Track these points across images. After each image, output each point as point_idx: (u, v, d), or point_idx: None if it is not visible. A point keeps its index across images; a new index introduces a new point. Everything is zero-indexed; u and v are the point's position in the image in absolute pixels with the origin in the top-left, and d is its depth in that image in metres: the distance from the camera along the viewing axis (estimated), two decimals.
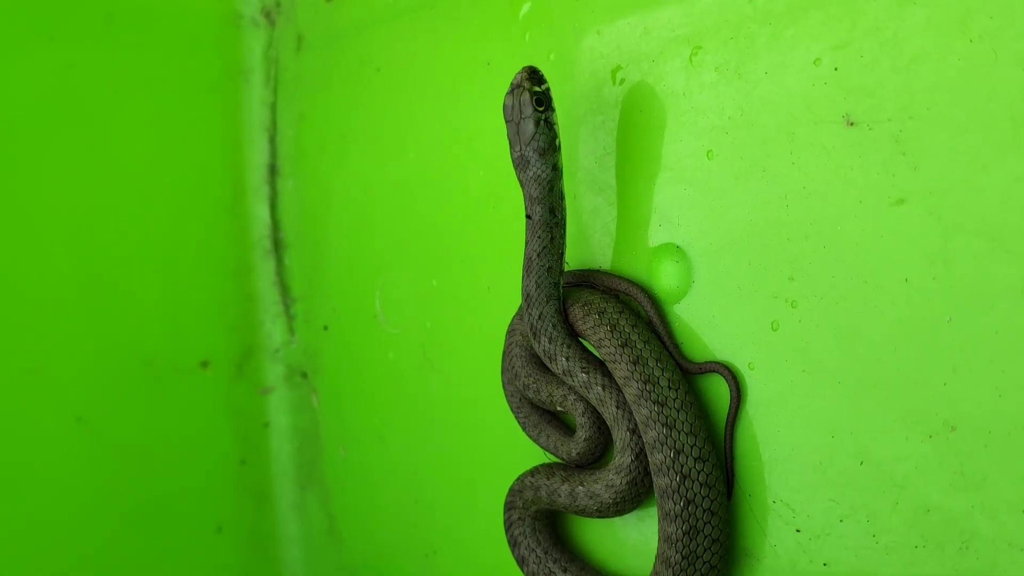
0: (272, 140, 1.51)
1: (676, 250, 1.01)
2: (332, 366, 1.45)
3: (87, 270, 1.40)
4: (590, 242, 1.08)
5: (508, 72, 1.11)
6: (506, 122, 0.98)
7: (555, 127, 0.97)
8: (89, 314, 1.39)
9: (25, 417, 1.32)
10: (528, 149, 0.96)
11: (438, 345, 1.27)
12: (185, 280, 1.47)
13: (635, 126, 1.04)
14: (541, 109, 0.95)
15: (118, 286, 1.42)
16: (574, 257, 1.09)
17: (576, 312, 1.02)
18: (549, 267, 0.99)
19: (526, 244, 0.99)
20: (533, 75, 0.97)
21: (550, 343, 1.01)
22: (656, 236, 1.03)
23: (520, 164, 0.97)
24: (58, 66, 1.38)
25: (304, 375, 1.49)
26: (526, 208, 0.98)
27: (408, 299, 1.31)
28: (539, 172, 0.96)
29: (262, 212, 1.51)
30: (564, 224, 0.99)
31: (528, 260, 0.99)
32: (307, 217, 1.48)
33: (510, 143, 0.98)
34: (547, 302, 1.01)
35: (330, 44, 1.42)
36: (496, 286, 1.19)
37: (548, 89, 0.98)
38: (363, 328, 1.37)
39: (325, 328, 1.45)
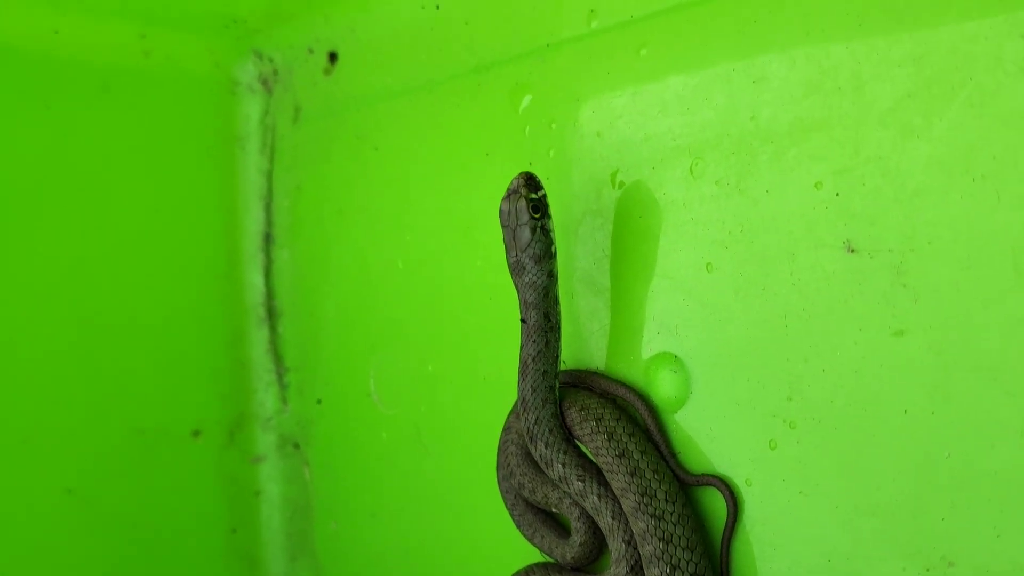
0: (268, 208, 1.50)
1: (674, 360, 1.00)
2: (325, 439, 1.44)
3: (79, 336, 1.39)
4: (587, 343, 1.08)
5: (507, 163, 1.12)
6: (502, 227, 0.98)
7: (551, 234, 0.97)
8: (80, 382, 1.38)
9: (14, 489, 1.31)
10: (524, 256, 0.96)
11: (433, 430, 1.27)
12: (178, 347, 1.46)
13: (634, 231, 1.04)
14: (537, 216, 0.96)
15: (110, 353, 1.41)
16: (571, 356, 1.09)
17: (573, 416, 1.02)
18: (544, 371, 0.99)
19: (521, 348, 0.99)
20: (530, 181, 0.97)
21: (546, 448, 1.01)
22: (654, 344, 1.02)
23: (516, 269, 0.97)
24: (53, 133, 1.37)
25: (296, 445, 1.48)
26: (521, 312, 0.98)
27: (403, 381, 1.31)
28: (534, 279, 0.97)
29: (256, 280, 1.51)
30: (559, 328, 0.99)
31: (523, 364, 0.99)
32: (302, 288, 1.47)
33: (506, 247, 0.98)
34: (543, 406, 1.00)
35: (328, 117, 1.42)
36: (492, 377, 1.19)
37: (545, 196, 0.98)
38: (357, 405, 1.37)
39: (318, 402, 1.45)
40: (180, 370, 1.46)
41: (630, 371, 1.04)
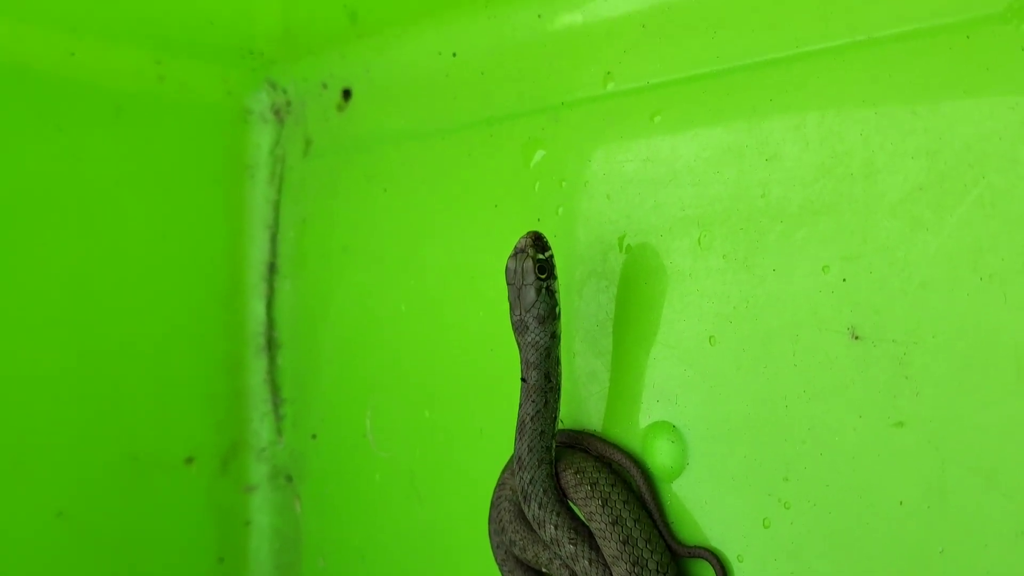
0: (273, 239, 1.50)
1: (672, 429, 1.00)
2: (318, 474, 1.44)
3: (76, 357, 1.38)
4: (586, 405, 1.08)
5: (516, 217, 1.13)
6: (508, 285, 0.98)
7: (556, 295, 0.98)
8: (74, 404, 1.37)
9: (4, 510, 1.30)
10: (528, 315, 0.97)
11: (427, 476, 1.27)
12: (175, 372, 1.46)
13: (639, 297, 1.04)
14: (543, 277, 0.96)
15: (105, 375, 1.40)
16: (569, 416, 1.09)
17: (568, 478, 1.02)
18: (542, 431, 0.99)
19: (520, 406, 0.99)
20: (537, 241, 0.98)
21: (540, 509, 1.01)
22: (653, 411, 1.03)
23: (519, 328, 0.98)
24: (63, 154, 1.37)
25: (289, 478, 1.48)
26: (522, 370, 0.99)
27: (399, 424, 1.31)
28: (537, 338, 0.97)
29: (258, 309, 1.50)
30: (559, 389, 1.00)
31: (521, 423, 0.99)
32: (303, 320, 1.47)
33: (510, 306, 0.98)
34: (538, 466, 1.01)
35: (338, 153, 1.42)
36: (489, 430, 1.18)
37: (551, 256, 0.98)
38: (351, 444, 1.37)
39: (313, 436, 1.45)
40: (176, 396, 1.45)
41: (627, 436, 1.04)
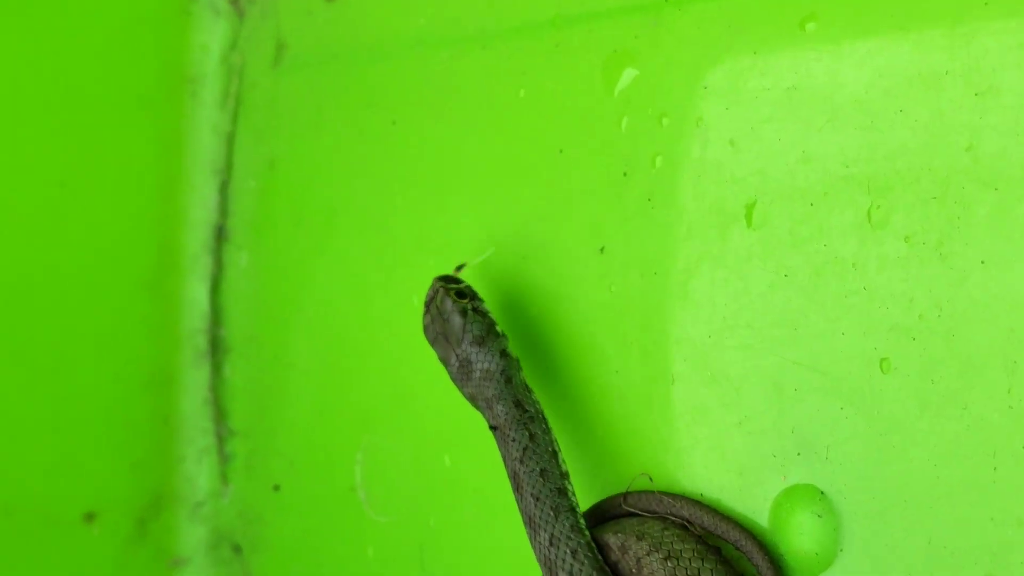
0: (224, 189, 1.52)
1: (819, 497, 1.01)
2: (281, 545, 1.45)
3: None
4: (687, 456, 1.09)
5: (588, 169, 1.16)
6: (432, 345, 1.15)
7: (489, 315, 1.14)
8: None
9: None
10: (463, 348, 1.12)
11: (444, 554, 1.28)
12: (68, 387, 1.48)
13: (773, 296, 1.04)
14: (464, 300, 1.13)
15: None
16: (657, 470, 1.11)
17: (653, 565, 1.02)
18: (543, 470, 1.07)
19: (503, 460, 1.10)
20: (446, 279, 1.16)
21: None
22: (791, 469, 1.03)
23: (462, 373, 1.12)
24: None
25: (237, 549, 1.49)
26: (487, 420, 1.12)
27: (406, 476, 1.32)
28: (486, 366, 1.11)
29: (198, 294, 1.53)
30: (543, 418, 1.11)
31: (512, 475, 1.08)
32: (265, 313, 1.48)
33: (447, 367, 1.14)
34: (556, 518, 1.06)
35: (326, 64, 1.43)
36: None
37: (469, 286, 1.16)
38: (333, 502, 1.38)
39: (276, 488, 1.46)
40: (71, 422, 1.48)
41: (749, 505, 1.05)
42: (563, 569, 1.03)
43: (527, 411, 1.09)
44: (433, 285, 1.16)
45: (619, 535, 1.05)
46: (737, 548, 1.04)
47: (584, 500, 1.13)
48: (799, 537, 1.02)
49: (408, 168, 1.31)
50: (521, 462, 1.07)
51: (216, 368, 1.49)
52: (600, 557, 1.06)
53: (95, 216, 1.47)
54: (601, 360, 1.15)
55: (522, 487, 1.07)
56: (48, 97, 1.43)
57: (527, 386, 1.11)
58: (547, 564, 1.05)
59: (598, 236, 1.15)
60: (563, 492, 1.06)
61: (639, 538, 1.04)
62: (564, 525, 1.05)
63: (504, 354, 1.11)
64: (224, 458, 1.48)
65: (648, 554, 1.04)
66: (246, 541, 1.46)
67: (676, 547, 1.03)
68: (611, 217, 1.14)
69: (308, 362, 1.40)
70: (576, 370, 1.16)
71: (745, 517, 1.05)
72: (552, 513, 1.05)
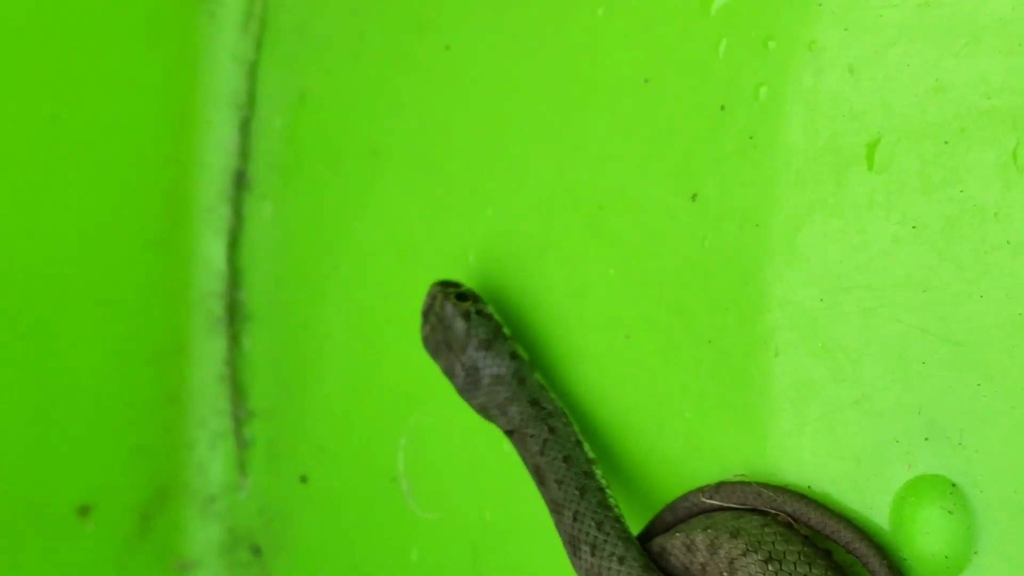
0: (244, 128, 1.51)
1: (951, 490, 0.98)
2: (308, 547, 1.44)
3: None
4: (793, 441, 1.07)
5: (678, 101, 1.14)
6: (435, 360, 1.20)
7: (494, 317, 1.20)
8: None
9: None
10: (468, 354, 1.16)
11: (501, 554, 1.26)
12: (59, 360, 1.47)
13: (899, 251, 1.01)
14: (466, 303, 1.18)
15: None
16: (752, 464, 1.09)
17: (749, 567, 1.00)
18: (565, 457, 1.12)
19: (524, 461, 1.15)
20: (444, 284, 1.21)
21: (593, 555, 1.05)
22: (916, 456, 1.00)
23: (470, 383, 1.17)
24: None
25: (256, 551, 1.48)
26: (501, 426, 1.17)
27: (457, 463, 1.31)
28: (495, 371, 1.16)
29: (214, 250, 1.53)
30: (563, 412, 1.16)
31: (535, 470, 1.13)
32: (292, 273, 1.48)
33: (452, 380, 1.19)
34: (581, 496, 1.10)
35: None
36: (627, 472, 1.18)
37: (470, 289, 1.22)
38: (371, 496, 1.37)
39: (303, 479, 1.45)
40: (60, 401, 1.46)
41: (866, 500, 1.03)
42: (586, 542, 1.07)
43: (544, 408, 1.15)
44: (430, 291, 1.22)
45: (709, 531, 1.03)
46: (849, 552, 1.02)
47: (665, 498, 1.13)
48: (925, 537, 0.99)
49: (463, 101, 1.30)
50: (542, 454, 1.12)
51: (234, 338, 1.49)
52: (626, 530, 1.08)
53: (92, 158, 1.45)
54: (690, 328, 1.13)
55: (544, 477, 1.12)
56: (35, 8, 1.40)
57: (542, 385, 1.17)
58: (571, 542, 1.08)
59: (689, 181, 1.13)
60: (590, 475, 1.11)
61: (733, 535, 1.03)
62: (590, 502, 1.09)
63: (514, 356, 1.18)
64: (242, 444, 1.48)
65: (744, 554, 1.02)
66: (267, 542, 1.46)
67: (778, 548, 1.01)
68: (705, 159, 1.12)
69: (343, 331, 1.40)
70: (657, 340, 1.15)
71: (860, 514, 1.03)
72: (577, 492, 1.09)
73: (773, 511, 1.06)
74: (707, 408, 1.13)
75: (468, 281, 1.29)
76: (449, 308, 1.18)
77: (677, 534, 1.07)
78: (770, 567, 1.00)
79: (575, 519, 1.08)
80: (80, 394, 1.44)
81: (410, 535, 1.32)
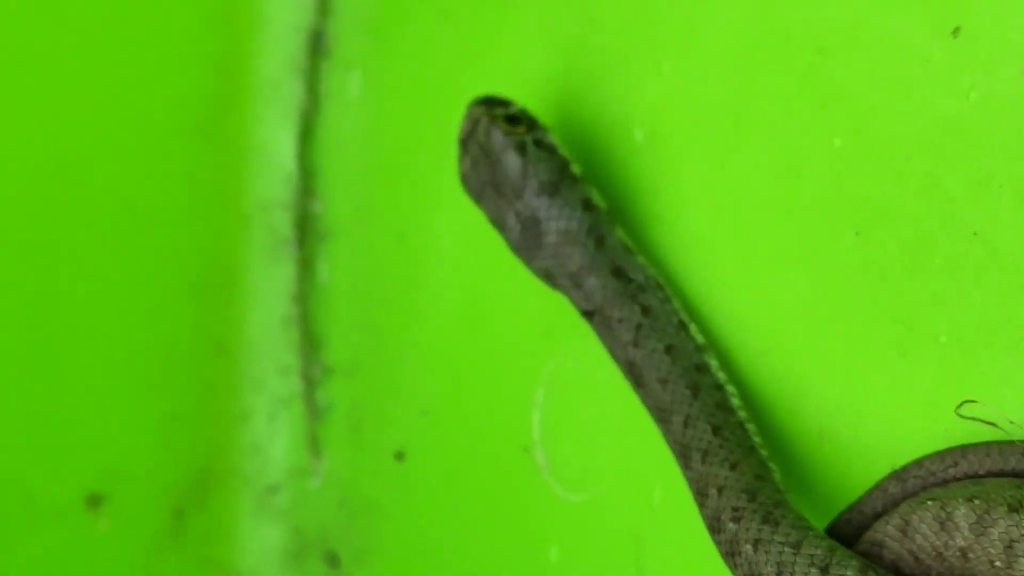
0: None
1: None
2: (406, 552, 1.46)
3: None
4: None
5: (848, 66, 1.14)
6: (479, 205, 1.22)
7: (560, 149, 1.19)
8: None
9: None
10: (526, 200, 1.18)
11: (673, 548, 1.25)
12: (65, 297, 1.45)
13: None
14: (520, 128, 1.17)
15: None
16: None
17: (1002, 525, 0.99)
18: (667, 347, 1.15)
19: (610, 354, 1.17)
20: (489, 102, 1.20)
21: (703, 461, 1.10)
22: None
23: (528, 239, 1.19)
24: None
25: (333, 560, 1.48)
26: (576, 303, 1.18)
27: (615, 427, 1.29)
28: (563, 224, 1.17)
29: (279, 141, 1.52)
30: (658, 286, 1.18)
31: (628, 367, 1.14)
32: (385, 173, 1.48)
33: (505, 234, 1.21)
34: (695, 397, 1.13)
35: None
36: (840, 437, 1.15)
37: (524, 109, 1.21)
38: (494, 473, 1.39)
39: (399, 457, 1.44)
40: (67, 352, 1.45)
41: None
42: (698, 449, 1.09)
43: (633, 280, 1.15)
44: (470, 113, 1.19)
45: (976, 503, 1.00)
46: None
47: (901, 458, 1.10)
48: None
49: None
50: (635, 345, 1.12)
51: (305, 265, 1.50)
52: (751, 437, 1.12)
53: (113, 15, 1.42)
54: (948, 217, 1.09)
55: (643, 377, 1.12)
56: None
57: (627, 247, 1.17)
58: (682, 452, 1.10)
59: (948, 8, 1.09)
60: (702, 369, 1.12)
61: (1013, 510, 0.98)
62: (707, 402, 1.11)
63: (588, 205, 1.17)
64: (315, 412, 1.48)
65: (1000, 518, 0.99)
66: (348, 547, 1.47)
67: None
68: None
69: (457, 250, 1.39)
70: (900, 236, 1.13)
71: None
72: (689, 392, 1.12)
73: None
74: (970, 327, 1.08)
75: (639, 165, 1.28)
76: (497, 136, 1.16)
77: (929, 502, 1.03)
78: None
79: (686, 425, 1.10)
80: (90, 340, 1.43)
81: (548, 526, 1.32)
